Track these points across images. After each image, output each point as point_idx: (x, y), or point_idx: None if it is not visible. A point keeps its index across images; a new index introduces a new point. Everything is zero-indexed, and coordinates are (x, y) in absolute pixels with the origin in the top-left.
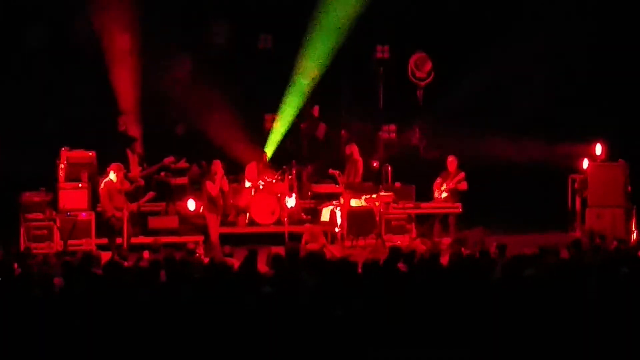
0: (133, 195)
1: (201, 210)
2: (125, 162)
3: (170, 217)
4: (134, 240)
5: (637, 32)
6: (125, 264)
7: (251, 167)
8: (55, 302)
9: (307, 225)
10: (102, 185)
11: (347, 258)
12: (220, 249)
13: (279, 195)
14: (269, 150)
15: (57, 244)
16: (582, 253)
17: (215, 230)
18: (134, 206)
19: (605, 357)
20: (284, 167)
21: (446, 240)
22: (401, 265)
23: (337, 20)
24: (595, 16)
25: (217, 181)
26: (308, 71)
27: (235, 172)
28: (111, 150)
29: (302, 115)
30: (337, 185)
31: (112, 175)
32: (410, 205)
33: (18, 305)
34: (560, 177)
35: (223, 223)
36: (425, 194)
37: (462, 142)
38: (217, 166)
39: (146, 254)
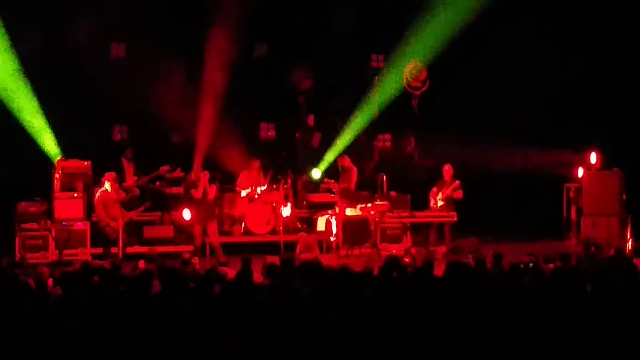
0: (128, 205)
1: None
2: (120, 171)
3: (165, 226)
4: (129, 249)
5: (631, 41)
6: (120, 273)
7: (244, 176)
8: (51, 311)
9: (302, 234)
10: (97, 195)
11: (344, 267)
12: (221, 253)
13: (274, 204)
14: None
15: (53, 254)
16: (573, 264)
17: (214, 236)
18: (132, 214)
19: None
20: (279, 176)
21: (441, 249)
22: (396, 274)
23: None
24: (589, 25)
25: (200, 187)
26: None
27: (230, 181)
28: (106, 159)
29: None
30: (332, 195)
31: (107, 185)
32: (406, 214)
33: (13, 314)
34: (555, 186)
35: (218, 232)
36: (421, 203)
37: (457, 151)
38: (202, 175)
39: (142, 263)
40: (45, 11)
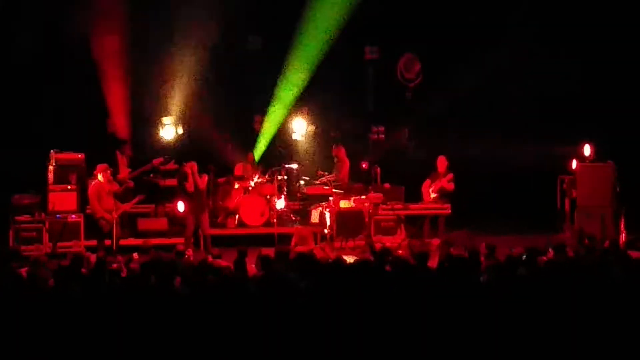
0: (122, 197)
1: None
2: (114, 164)
3: (159, 219)
4: (123, 242)
5: (623, 34)
6: (115, 265)
7: (238, 168)
8: (47, 304)
9: (297, 227)
10: (91, 186)
11: (339, 259)
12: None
13: (268, 196)
14: (258, 151)
15: (46, 246)
16: (568, 256)
17: (207, 228)
18: (125, 206)
19: (598, 356)
20: (273, 168)
21: (435, 241)
22: (389, 267)
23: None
24: (584, 18)
25: (190, 180)
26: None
27: (224, 173)
28: (100, 152)
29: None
30: (326, 187)
31: (100, 177)
32: (400, 206)
33: (11, 307)
34: (549, 178)
35: (213, 224)
36: (415, 195)
37: (451, 143)
38: (191, 167)
39: (135, 255)
40: (41, 3)
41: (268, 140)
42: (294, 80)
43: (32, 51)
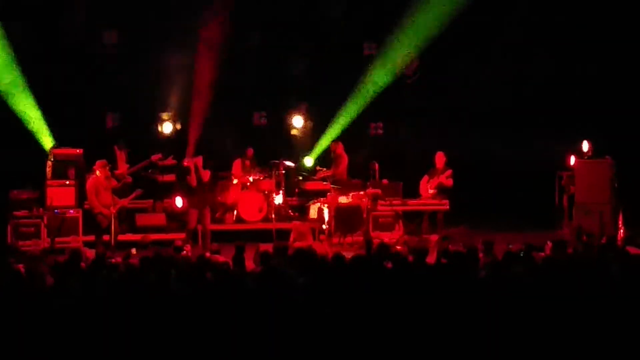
0: (121, 193)
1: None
2: (112, 159)
3: (157, 214)
4: (121, 237)
5: (623, 31)
6: (113, 260)
7: (237, 164)
8: (44, 299)
9: (295, 222)
10: (89, 182)
11: (338, 254)
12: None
13: (266, 192)
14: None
15: (45, 241)
16: (566, 252)
17: (208, 223)
18: (124, 202)
19: (596, 354)
20: (272, 163)
21: (434, 237)
22: (388, 263)
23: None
24: (581, 15)
25: (193, 174)
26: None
27: (223, 169)
28: (99, 147)
29: None
30: (325, 183)
31: (98, 172)
32: (398, 202)
33: (8, 302)
34: (547, 174)
35: (211, 220)
36: (413, 191)
37: (449, 140)
38: (195, 162)
39: (134, 250)
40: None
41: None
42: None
43: (29, 46)
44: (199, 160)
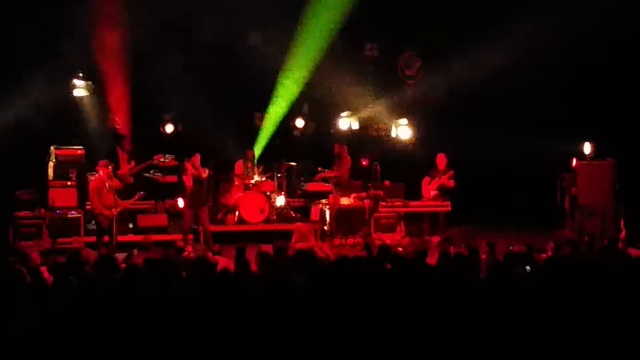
0: (122, 193)
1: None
2: (114, 160)
3: (159, 215)
4: (123, 238)
5: (627, 30)
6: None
7: (238, 165)
8: (47, 300)
9: (298, 224)
10: (91, 182)
11: (341, 257)
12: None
13: (268, 193)
14: (257, 148)
15: (46, 242)
16: (568, 254)
17: (205, 222)
18: (126, 203)
19: (597, 355)
20: (273, 165)
21: (435, 239)
22: (389, 264)
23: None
24: (584, 13)
25: (189, 174)
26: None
27: (224, 170)
28: (100, 147)
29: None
30: (326, 184)
31: (101, 172)
32: (400, 203)
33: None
34: (549, 176)
35: (212, 221)
36: (415, 193)
37: (451, 140)
38: (192, 161)
39: (135, 252)
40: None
41: (268, 136)
42: (294, 76)
43: (34, 46)
44: (196, 158)
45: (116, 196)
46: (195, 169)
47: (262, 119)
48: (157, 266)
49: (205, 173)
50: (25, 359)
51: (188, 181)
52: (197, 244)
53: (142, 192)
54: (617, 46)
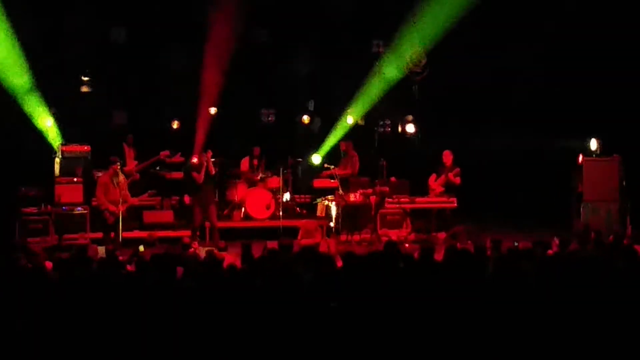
0: (129, 190)
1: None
2: (121, 156)
3: (165, 211)
4: (129, 234)
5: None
6: (120, 258)
7: (245, 162)
8: (50, 296)
9: (304, 220)
10: (100, 179)
11: (346, 253)
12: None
13: (274, 190)
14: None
15: (52, 238)
16: (574, 250)
17: (214, 220)
18: (134, 200)
19: (602, 351)
20: (279, 161)
21: (441, 235)
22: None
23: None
24: (592, 11)
25: (203, 170)
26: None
27: (231, 167)
28: (107, 144)
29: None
30: (332, 180)
31: (109, 169)
32: (406, 199)
33: (14, 299)
34: (555, 172)
35: (219, 217)
36: (421, 189)
37: (457, 137)
38: (207, 158)
39: (141, 248)
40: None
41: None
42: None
43: (37, 41)
44: (209, 155)
45: (127, 192)
46: (207, 165)
47: (274, 115)
48: (161, 262)
49: (212, 169)
50: (30, 355)
51: (200, 178)
52: (203, 241)
53: (153, 190)
54: (623, 40)
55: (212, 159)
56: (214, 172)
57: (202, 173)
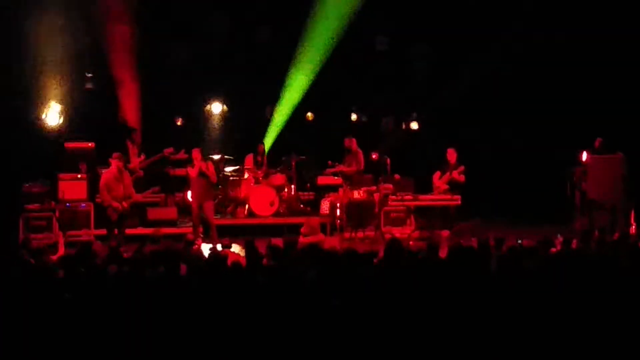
0: (133, 186)
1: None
2: (125, 152)
3: (169, 208)
4: (133, 231)
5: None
6: (125, 255)
7: (249, 159)
8: (56, 293)
9: (307, 217)
10: (103, 175)
11: (349, 250)
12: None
13: (277, 187)
14: (268, 141)
15: (56, 235)
16: (577, 248)
17: (209, 215)
18: (139, 197)
19: (605, 349)
20: (283, 158)
21: (445, 233)
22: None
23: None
24: (597, 10)
25: (196, 166)
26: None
27: (235, 163)
28: (111, 141)
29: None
30: (336, 177)
31: (112, 166)
32: (409, 197)
33: (20, 298)
34: (559, 170)
35: (223, 215)
36: (425, 186)
37: (461, 134)
38: (196, 153)
39: (148, 245)
40: None
41: (279, 129)
42: (304, 70)
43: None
44: (196, 151)
45: (132, 189)
46: (195, 162)
47: (272, 112)
48: (161, 258)
49: (211, 167)
50: (35, 352)
51: (192, 172)
52: (207, 238)
53: (157, 187)
54: (627, 37)
55: (215, 158)
56: (204, 170)
57: (196, 168)
